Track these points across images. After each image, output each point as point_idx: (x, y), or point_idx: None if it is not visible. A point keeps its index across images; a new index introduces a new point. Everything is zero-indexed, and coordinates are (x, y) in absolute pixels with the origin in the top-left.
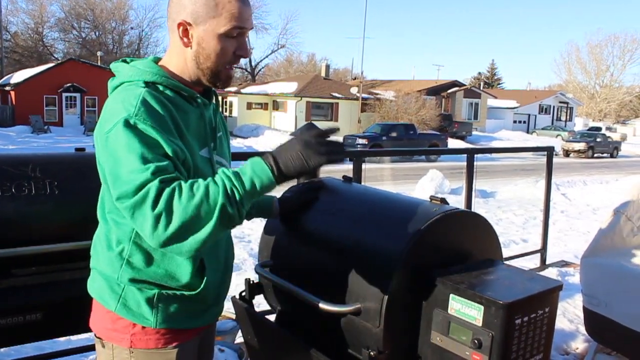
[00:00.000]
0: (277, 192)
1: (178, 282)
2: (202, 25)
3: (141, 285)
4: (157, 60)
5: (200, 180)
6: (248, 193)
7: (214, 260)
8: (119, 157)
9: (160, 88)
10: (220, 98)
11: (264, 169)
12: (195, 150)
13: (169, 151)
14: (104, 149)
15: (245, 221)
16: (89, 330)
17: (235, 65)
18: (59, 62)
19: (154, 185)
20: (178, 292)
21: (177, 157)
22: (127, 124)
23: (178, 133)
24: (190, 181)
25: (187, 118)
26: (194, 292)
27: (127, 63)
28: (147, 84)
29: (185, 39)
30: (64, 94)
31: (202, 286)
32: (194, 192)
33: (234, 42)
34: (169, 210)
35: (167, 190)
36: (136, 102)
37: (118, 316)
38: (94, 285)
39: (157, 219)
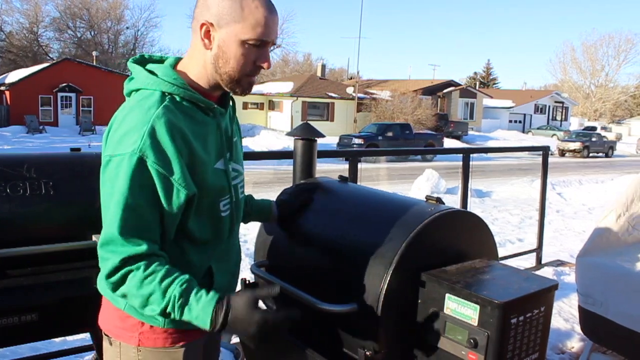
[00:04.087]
0: (274, 194)
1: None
2: (225, 28)
3: None
4: (177, 61)
5: (156, 279)
6: (181, 320)
7: (226, 264)
8: (113, 190)
9: (177, 99)
10: None
11: (206, 318)
12: (208, 166)
13: (163, 200)
14: (103, 169)
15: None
16: (84, 330)
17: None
18: (54, 61)
19: (122, 267)
20: None
21: (168, 204)
22: (131, 158)
23: (189, 158)
24: (147, 273)
25: (204, 131)
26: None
27: (145, 60)
28: (164, 95)
29: (206, 41)
30: (59, 94)
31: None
32: (144, 286)
33: (255, 51)
34: (122, 289)
35: (130, 275)
36: (147, 132)
37: (127, 314)
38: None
39: (112, 284)
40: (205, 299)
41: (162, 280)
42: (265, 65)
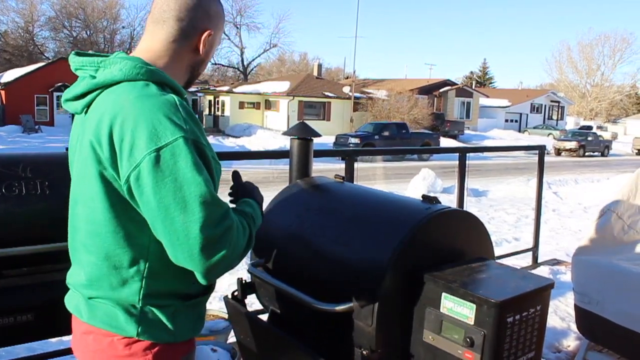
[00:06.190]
0: (271, 193)
1: (200, 286)
2: (217, 34)
3: (161, 301)
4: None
5: (239, 221)
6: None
7: None
8: (185, 180)
9: (167, 89)
10: (212, 97)
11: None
12: None
13: (215, 169)
14: (152, 169)
15: None
16: None
17: (227, 65)
18: (49, 61)
19: (230, 226)
20: (194, 299)
21: (215, 188)
22: (186, 141)
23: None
24: (236, 222)
25: None
26: (208, 294)
27: (82, 55)
28: (155, 83)
29: (201, 46)
30: (55, 94)
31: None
32: (242, 236)
33: None
34: (233, 249)
35: (233, 234)
36: (181, 114)
37: (134, 339)
38: (99, 315)
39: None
40: (257, 211)
41: (242, 223)
42: None
